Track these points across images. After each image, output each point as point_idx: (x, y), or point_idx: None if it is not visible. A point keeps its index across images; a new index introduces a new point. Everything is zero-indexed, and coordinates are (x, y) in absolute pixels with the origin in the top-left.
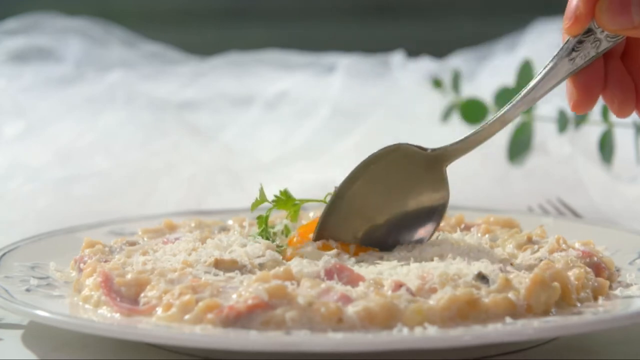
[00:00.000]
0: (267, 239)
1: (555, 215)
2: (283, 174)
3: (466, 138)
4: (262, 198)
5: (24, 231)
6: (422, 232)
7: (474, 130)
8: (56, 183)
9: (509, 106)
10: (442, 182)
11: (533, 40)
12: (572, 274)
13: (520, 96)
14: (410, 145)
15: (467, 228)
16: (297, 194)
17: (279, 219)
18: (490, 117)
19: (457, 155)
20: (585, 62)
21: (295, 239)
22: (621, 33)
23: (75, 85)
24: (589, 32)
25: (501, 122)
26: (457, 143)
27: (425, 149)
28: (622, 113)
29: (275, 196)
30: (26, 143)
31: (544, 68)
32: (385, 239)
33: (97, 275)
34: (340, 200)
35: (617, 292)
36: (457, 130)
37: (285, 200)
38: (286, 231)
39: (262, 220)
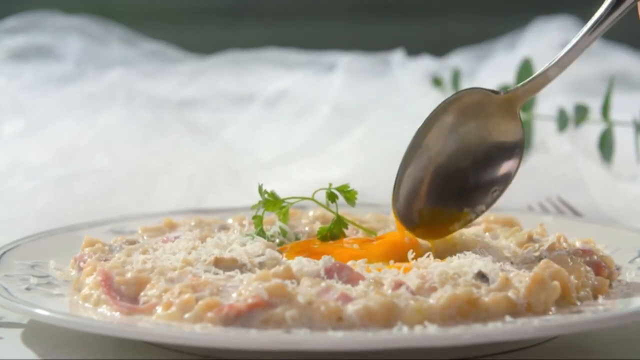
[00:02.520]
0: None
1: (555, 214)
2: (283, 172)
3: (536, 77)
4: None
5: (24, 229)
6: (504, 169)
7: (541, 69)
8: (56, 181)
9: (575, 39)
10: (516, 122)
11: (533, 39)
12: (572, 273)
13: (586, 28)
14: (482, 88)
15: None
16: (297, 193)
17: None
18: (558, 54)
19: (528, 95)
20: None
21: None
22: None
23: (75, 83)
24: None
25: (569, 57)
26: (527, 82)
27: (497, 92)
28: None
29: (264, 198)
30: (26, 141)
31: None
32: (464, 184)
33: (97, 274)
34: (417, 150)
35: (617, 290)
36: None
37: (273, 201)
38: (283, 232)
39: (258, 221)
